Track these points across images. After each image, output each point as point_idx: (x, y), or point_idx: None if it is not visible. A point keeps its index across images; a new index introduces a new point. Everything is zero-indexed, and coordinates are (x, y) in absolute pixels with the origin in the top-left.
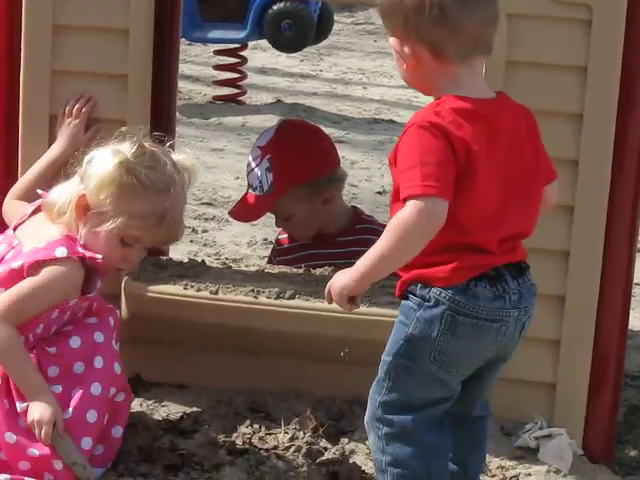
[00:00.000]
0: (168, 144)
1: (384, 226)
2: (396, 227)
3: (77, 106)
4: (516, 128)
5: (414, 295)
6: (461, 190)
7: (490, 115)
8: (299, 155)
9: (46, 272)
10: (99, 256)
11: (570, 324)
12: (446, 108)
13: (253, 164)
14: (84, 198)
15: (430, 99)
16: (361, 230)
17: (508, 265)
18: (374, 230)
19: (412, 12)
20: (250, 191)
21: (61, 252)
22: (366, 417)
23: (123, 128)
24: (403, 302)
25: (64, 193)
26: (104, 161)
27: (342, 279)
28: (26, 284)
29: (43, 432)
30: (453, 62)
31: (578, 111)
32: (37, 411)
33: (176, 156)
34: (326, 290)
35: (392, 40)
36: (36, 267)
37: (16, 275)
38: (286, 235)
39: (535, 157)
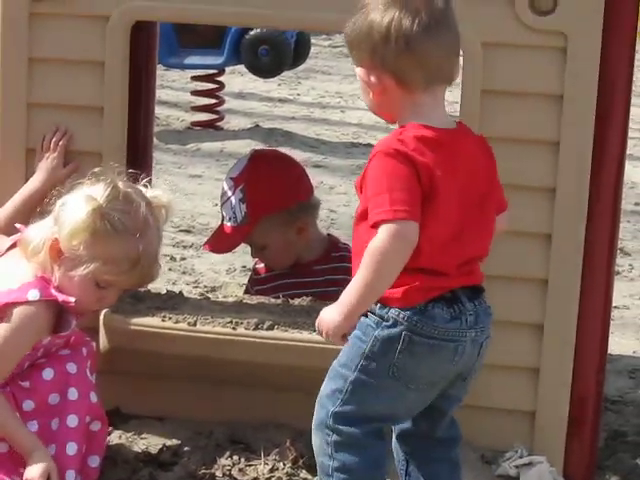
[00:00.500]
0: (143, 181)
1: None
2: (373, 255)
3: (54, 139)
4: (473, 157)
5: (373, 314)
6: (423, 215)
7: (450, 143)
8: (271, 185)
9: (15, 317)
10: (72, 299)
11: (549, 351)
12: (409, 136)
13: (227, 195)
14: (57, 242)
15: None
16: (337, 258)
17: (464, 287)
18: (350, 258)
19: (379, 43)
20: (225, 222)
21: (33, 295)
22: (315, 422)
23: (96, 169)
24: (362, 319)
25: (39, 233)
26: (77, 208)
27: (332, 319)
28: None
29: None
30: (417, 90)
31: (554, 139)
32: (30, 470)
33: (151, 192)
34: (317, 327)
35: (359, 70)
36: (6, 308)
37: None
38: (263, 264)
39: (489, 186)
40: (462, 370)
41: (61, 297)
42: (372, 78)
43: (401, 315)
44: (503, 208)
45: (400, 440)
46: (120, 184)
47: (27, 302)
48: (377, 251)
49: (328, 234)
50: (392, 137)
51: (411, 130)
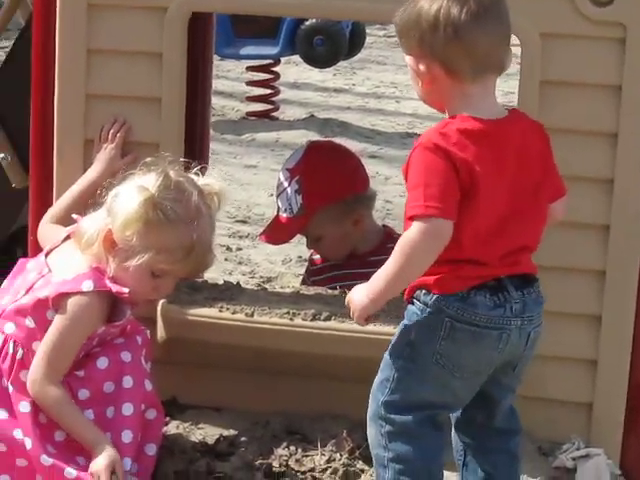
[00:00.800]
0: (196, 169)
1: None
2: (403, 248)
3: (112, 130)
4: (525, 144)
5: (418, 301)
6: (464, 210)
7: (498, 134)
8: (327, 176)
9: (70, 308)
10: (126, 290)
11: (606, 343)
12: (452, 129)
13: (283, 186)
14: (110, 233)
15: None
16: (392, 249)
17: (511, 276)
18: None
19: (427, 31)
20: (280, 213)
21: (87, 286)
22: (369, 413)
23: (148, 159)
24: (409, 306)
25: (93, 225)
26: (129, 198)
27: (360, 300)
28: (51, 336)
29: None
30: (466, 80)
31: (613, 130)
32: (96, 462)
33: (203, 180)
34: (346, 303)
35: (408, 59)
36: (60, 299)
37: (41, 304)
38: (318, 255)
39: (543, 173)
40: (510, 359)
41: (115, 288)
42: (421, 67)
43: (442, 302)
44: (560, 194)
45: (458, 430)
46: (172, 173)
47: (81, 293)
48: (407, 245)
49: (383, 225)
50: (435, 130)
51: (456, 123)
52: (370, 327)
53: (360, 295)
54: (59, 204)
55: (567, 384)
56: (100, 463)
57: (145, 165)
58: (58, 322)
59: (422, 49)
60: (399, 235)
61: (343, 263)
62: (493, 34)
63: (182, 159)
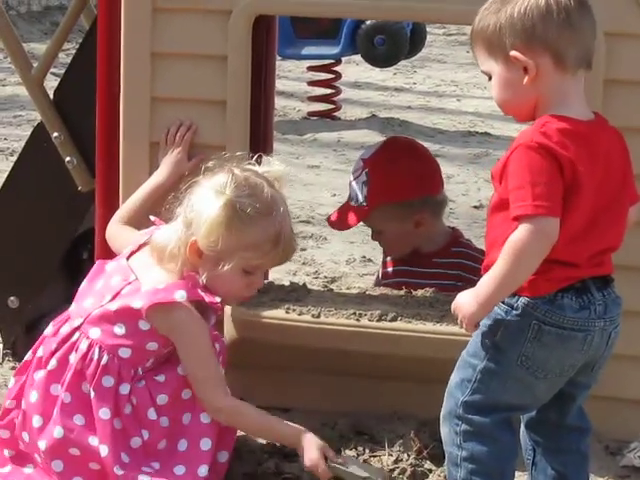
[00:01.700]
0: (252, 160)
1: (480, 251)
2: (513, 249)
3: (178, 133)
4: (610, 149)
5: (502, 302)
6: (563, 209)
7: (589, 136)
8: (395, 174)
9: (185, 329)
10: (218, 300)
11: None
12: (552, 128)
13: (354, 175)
14: (195, 244)
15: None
16: (456, 254)
17: (594, 277)
18: (469, 255)
19: (539, 20)
20: (349, 200)
21: (181, 295)
22: (443, 411)
23: (209, 163)
24: None
25: (172, 237)
26: (208, 205)
27: (470, 307)
28: (200, 361)
29: (320, 469)
30: (569, 72)
31: None
32: (308, 453)
33: (262, 169)
34: (453, 310)
35: (514, 54)
36: (155, 308)
37: (133, 314)
38: (389, 258)
39: (624, 178)
40: (590, 359)
41: (208, 298)
42: (530, 61)
43: (530, 304)
44: (635, 200)
45: (529, 428)
46: (237, 171)
47: (174, 303)
48: (517, 245)
49: (452, 227)
50: (535, 129)
51: (554, 122)
52: (437, 327)
53: (468, 301)
54: (127, 206)
55: (635, 383)
56: (314, 453)
57: (208, 169)
58: (194, 348)
59: (531, 41)
60: (467, 241)
61: (407, 260)
62: (593, 26)
63: (238, 153)
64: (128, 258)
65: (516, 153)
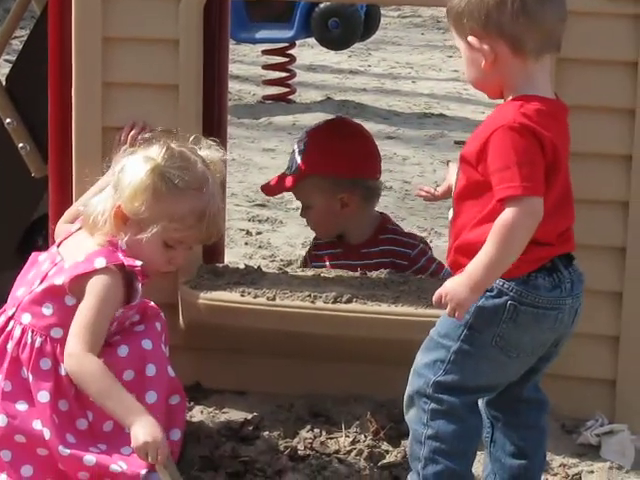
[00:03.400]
0: (191, 139)
1: (408, 235)
2: (503, 232)
3: (132, 133)
4: (567, 129)
5: None
6: (545, 188)
7: (557, 115)
8: (330, 148)
9: (93, 287)
10: (138, 263)
11: (628, 320)
12: (531, 109)
13: (296, 146)
14: (120, 208)
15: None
16: (384, 240)
17: (560, 256)
18: (396, 240)
19: (494, 8)
20: (285, 170)
21: (100, 263)
22: (410, 391)
23: (147, 134)
24: None
25: (98, 205)
26: (136, 169)
27: (462, 294)
28: (85, 311)
29: (160, 452)
30: (530, 58)
31: (630, 106)
32: (148, 433)
33: (202, 152)
34: (437, 298)
35: (471, 39)
36: (76, 282)
37: (57, 291)
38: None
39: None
40: (558, 336)
41: (127, 261)
42: (485, 47)
43: (505, 285)
44: None
45: (489, 405)
46: (173, 144)
47: (95, 271)
48: (507, 227)
49: (381, 213)
50: (514, 110)
51: (531, 103)
52: (392, 308)
53: (459, 289)
54: (75, 206)
55: (590, 362)
56: (156, 435)
57: (145, 140)
58: (87, 302)
59: (487, 28)
60: (393, 226)
61: (339, 254)
62: (556, 11)
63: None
64: (60, 244)
65: (497, 134)
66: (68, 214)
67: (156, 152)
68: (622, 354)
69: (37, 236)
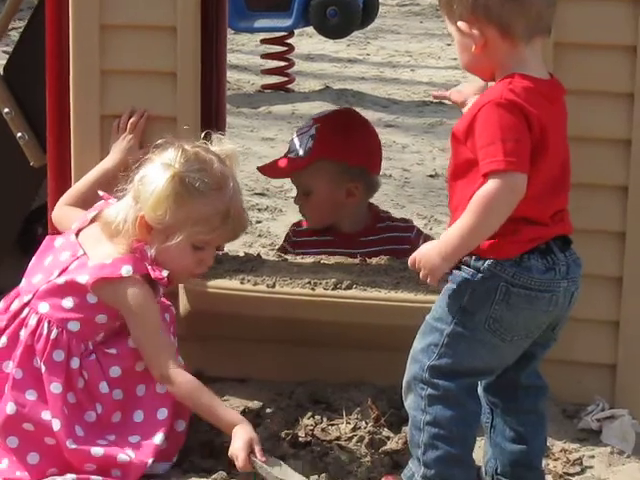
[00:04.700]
0: (202, 137)
1: (402, 221)
2: (481, 203)
3: (132, 120)
4: (564, 109)
5: (468, 266)
6: (531, 166)
7: (551, 95)
8: (345, 135)
9: (133, 304)
10: (165, 273)
11: (628, 304)
12: (519, 86)
13: (299, 132)
14: (144, 218)
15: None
16: (384, 229)
17: (556, 238)
18: (395, 227)
19: None
20: (287, 154)
21: (127, 270)
22: (407, 377)
23: (158, 141)
24: (455, 272)
25: (120, 212)
26: (156, 178)
27: (433, 260)
28: (143, 338)
29: (240, 459)
30: (520, 43)
31: (628, 90)
32: (232, 447)
33: (214, 147)
34: (412, 261)
35: (461, 24)
36: (101, 282)
37: (80, 288)
38: (305, 227)
39: (566, 139)
40: (554, 320)
41: (154, 274)
42: (474, 31)
43: (498, 267)
44: None
45: (487, 391)
46: (187, 146)
47: (121, 278)
48: (485, 199)
49: (369, 203)
50: (502, 87)
51: (520, 80)
52: (392, 294)
53: (431, 255)
54: (74, 189)
55: (590, 346)
56: (236, 445)
57: (157, 147)
58: (137, 324)
59: (476, 13)
60: (385, 213)
61: (333, 241)
62: None
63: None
64: (77, 234)
65: (485, 110)
66: (68, 196)
67: (172, 157)
68: (622, 339)
69: (37, 225)
